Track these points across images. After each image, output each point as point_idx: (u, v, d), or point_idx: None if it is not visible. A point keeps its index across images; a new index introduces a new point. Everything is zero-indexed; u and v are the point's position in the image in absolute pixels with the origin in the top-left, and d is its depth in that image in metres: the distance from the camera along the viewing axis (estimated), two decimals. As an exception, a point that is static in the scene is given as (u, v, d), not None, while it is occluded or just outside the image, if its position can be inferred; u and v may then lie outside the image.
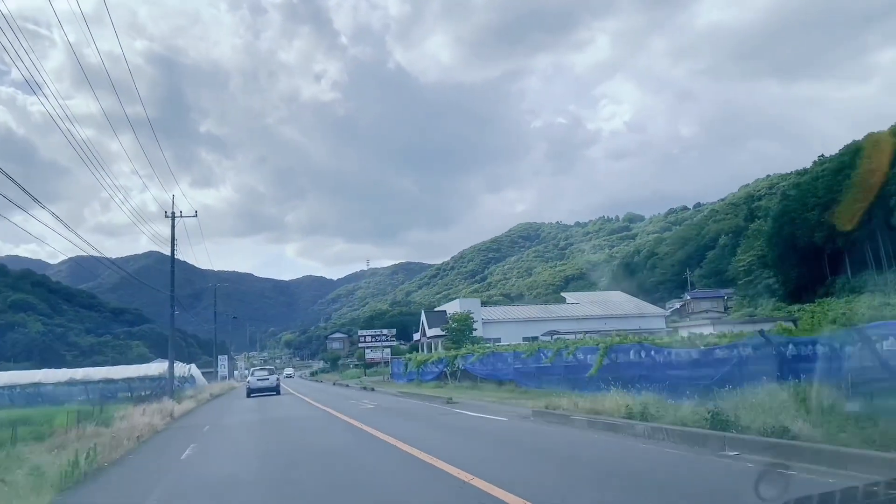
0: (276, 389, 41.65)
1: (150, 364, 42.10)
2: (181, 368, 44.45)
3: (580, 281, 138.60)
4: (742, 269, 69.87)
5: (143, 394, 31.77)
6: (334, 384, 54.60)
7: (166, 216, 34.51)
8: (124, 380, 35.43)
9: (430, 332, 55.88)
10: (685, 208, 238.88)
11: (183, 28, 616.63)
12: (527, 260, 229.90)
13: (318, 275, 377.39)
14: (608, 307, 54.85)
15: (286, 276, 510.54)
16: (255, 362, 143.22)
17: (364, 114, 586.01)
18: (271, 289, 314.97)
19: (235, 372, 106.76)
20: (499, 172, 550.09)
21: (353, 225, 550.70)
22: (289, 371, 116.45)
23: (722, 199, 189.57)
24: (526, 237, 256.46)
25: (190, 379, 45.84)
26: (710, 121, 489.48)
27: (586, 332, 41.55)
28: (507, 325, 50.10)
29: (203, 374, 66.17)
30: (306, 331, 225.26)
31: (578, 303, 57.11)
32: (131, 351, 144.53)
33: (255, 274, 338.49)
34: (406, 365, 42.02)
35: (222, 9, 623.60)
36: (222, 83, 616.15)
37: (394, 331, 63.60)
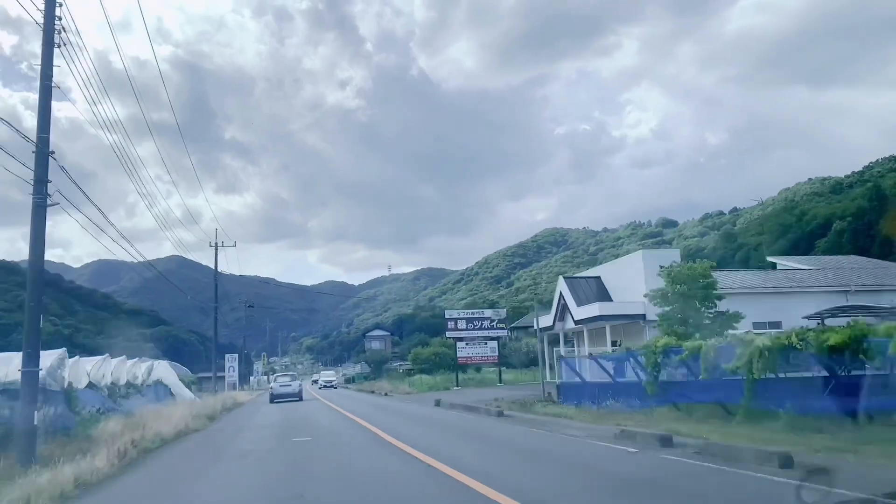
0: (298, 395, 40.30)
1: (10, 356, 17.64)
2: (125, 367, 22.43)
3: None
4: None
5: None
6: (450, 407, 24.96)
7: None
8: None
9: (581, 313, 31.32)
10: (721, 213, 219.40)
11: (208, 34, 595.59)
12: (556, 265, 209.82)
13: (340, 280, 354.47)
14: (876, 276, 31.70)
15: (308, 281, 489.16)
16: (276, 368, 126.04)
17: (387, 121, 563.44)
18: (293, 294, 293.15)
19: (252, 377, 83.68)
20: (520, 180, 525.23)
21: (374, 231, 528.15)
22: (328, 376, 76.62)
23: (760, 203, 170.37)
24: (553, 243, 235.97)
25: (148, 389, 24.06)
26: (737, 128, 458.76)
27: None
28: (749, 299, 25.19)
29: (201, 378, 44.46)
30: (328, 336, 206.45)
31: (818, 268, 33.79)
32: (143, 354, 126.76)
33: (278, 279, 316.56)
34: (655, 363, 16.50)
35: (247, 15, 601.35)
36: (247, 89, 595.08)
37: (503, 312, 41.60)
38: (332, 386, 67.74)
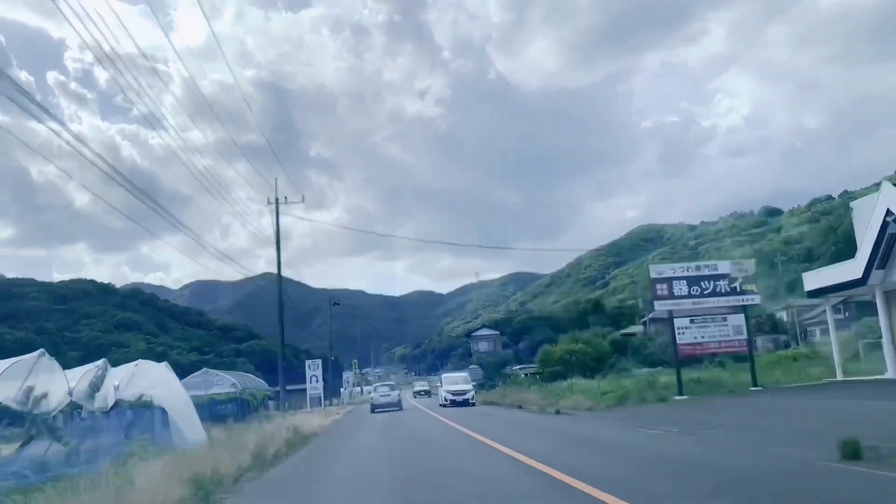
0: (398, 405, 39.28)
1: None
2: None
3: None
4: None
5: None
6: None
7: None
8: None
9: None
10: (830, 198, 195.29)
11: (289, 54, 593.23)
12: (654, 262, 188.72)
13: (428, 289, 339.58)
14: None
15: (396, 291, 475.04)
16: (370, 378, 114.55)
17: (467, 127, 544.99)
18: (382, 304, 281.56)
19: (342, 389, 68.46)
20: (608, 177, 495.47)
21: (459, 239, 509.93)
22: (458, 384, 39.97)
23: (876, 184, 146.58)
24: (648, 240, 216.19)
25: (103, 422, 10.24)
26: (838, 109, 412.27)
27: None
28: None
29: (275, 392, 30.09)
30: (419, 344, 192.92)
31: None
32: (235, 368, 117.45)
33: (367, 291, 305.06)
34: None
35: (325, 33, 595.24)
36: (329, 106, 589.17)
37: (749, 264, 24.97)
38: (467, 401, 37.16)
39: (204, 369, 38.18)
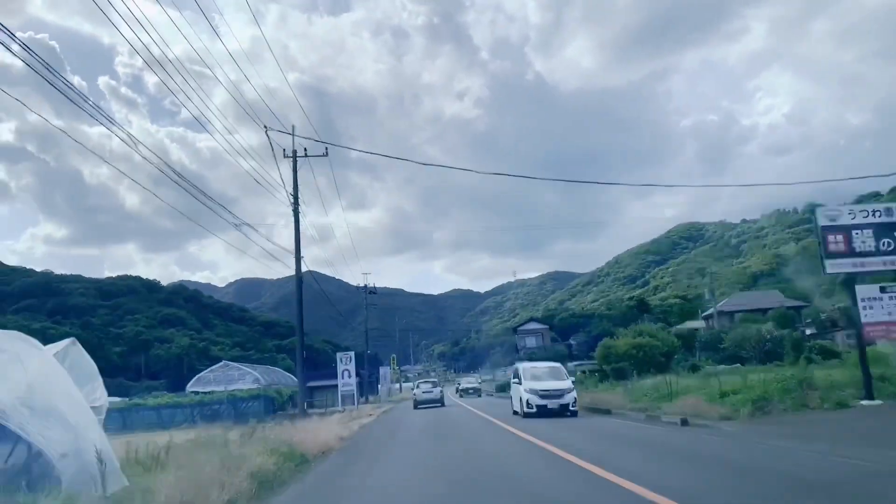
0: (440, 401, 39.80)
1: None
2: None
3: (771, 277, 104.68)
4: None
5: None
6: None
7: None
8: None
9: None
10: (878, 194, 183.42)
11: (330, 58, 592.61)
12: (694, 260, 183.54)
13: (465, 288, 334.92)
14: None
15: (435, 290, 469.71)
16: (409, 376, 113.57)
17: (505, 128, 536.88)
18: (421, 303, 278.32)
19: (380, 386, 64.35)
20: (647, 177, 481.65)
21: (497, 239, 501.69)
22: (543, 376, 23.50)
23: None
24: (688, 238, 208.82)
25: None
26: (883, 106, 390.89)
27: None
28: None
29: (314, 389, 25.44)
30: (458, 342, 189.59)
31: None
32: (277, 365, 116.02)
33: (406, 289, 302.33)
34: None
35: (365, 36, 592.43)
36: (369, 108, 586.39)
37: None
38: (566, 407, 21.99)
39: (223, 362, 34.54)
